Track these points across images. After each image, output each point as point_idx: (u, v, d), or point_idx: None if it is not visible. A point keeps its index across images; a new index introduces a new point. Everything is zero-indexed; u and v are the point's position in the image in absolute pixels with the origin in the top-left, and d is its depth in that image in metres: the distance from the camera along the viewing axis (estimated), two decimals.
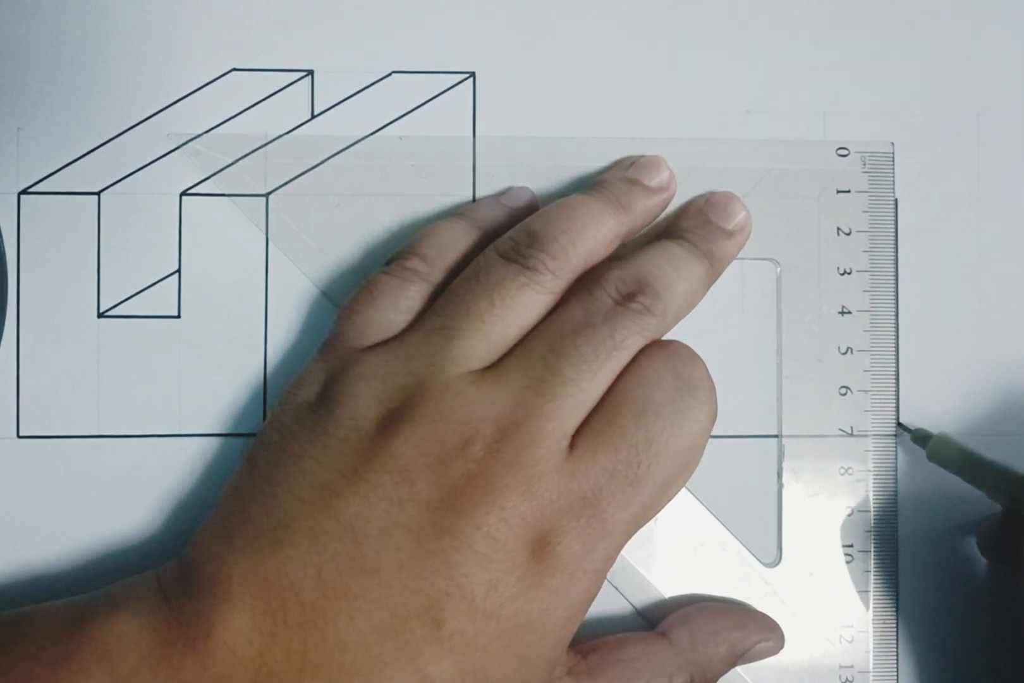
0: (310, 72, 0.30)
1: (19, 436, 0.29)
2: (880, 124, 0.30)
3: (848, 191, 0.30)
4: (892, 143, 0.30)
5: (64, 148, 0.29)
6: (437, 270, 0.28)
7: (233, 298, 0.29)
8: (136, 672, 0.24)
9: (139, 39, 0.29)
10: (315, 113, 0.30)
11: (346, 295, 0.28)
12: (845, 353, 0.30)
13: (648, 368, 0.26)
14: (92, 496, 0.29)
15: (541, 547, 0.25)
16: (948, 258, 0.30)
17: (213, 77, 0.29)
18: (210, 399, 0.29)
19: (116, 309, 0.29)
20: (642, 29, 0.30)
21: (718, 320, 0.30)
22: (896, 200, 0.30)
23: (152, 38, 0.29)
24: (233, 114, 0.29)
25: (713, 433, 0.27)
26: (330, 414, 0.25)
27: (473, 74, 0.30)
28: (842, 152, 0.30)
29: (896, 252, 0.30)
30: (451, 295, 0.27)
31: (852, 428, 0.30)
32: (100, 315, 0.29)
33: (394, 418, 0.25)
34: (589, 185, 0.29)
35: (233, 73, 0.29)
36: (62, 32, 0.29)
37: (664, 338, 0.27)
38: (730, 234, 0.29)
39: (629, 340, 0.26)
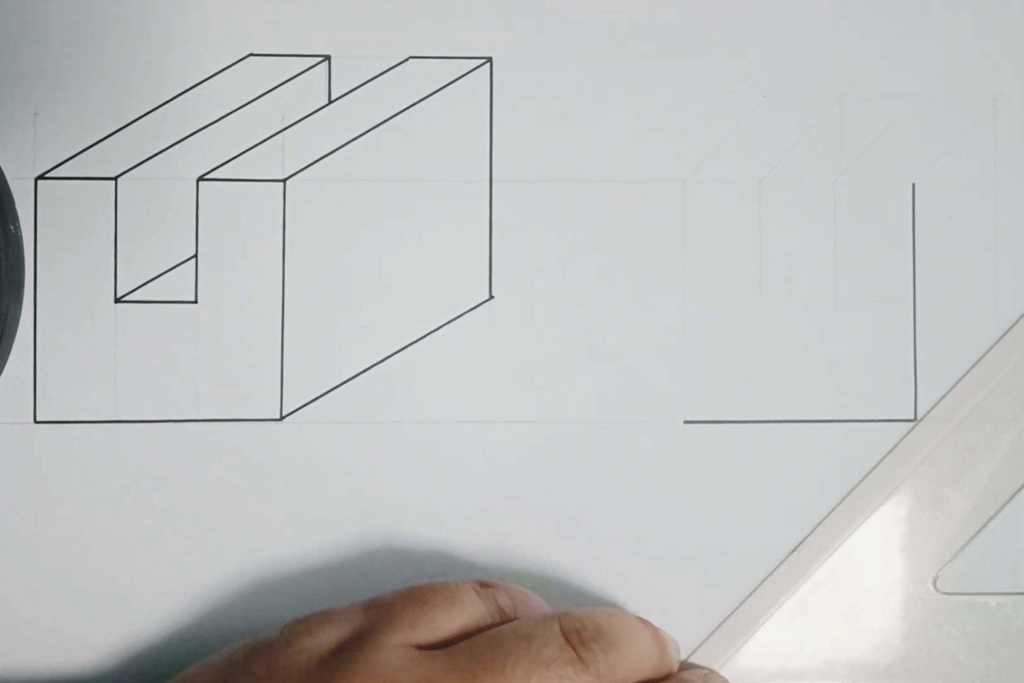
0: (327, 57, 0.30)
1: (36, 421, 0.29)
2: (898, 107, 0.30)
3: None
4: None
5: (81, 133, 0.29)
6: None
7: (250, 283, 0.29)
8: None
9: (156, 24, 0.29)
10: (332, 98, 0.30)
11: (362, 280, 0.28)
12: None
13: None
14: (109, 481, 0.29)
15: None
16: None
17: (230, 62, 0.29)
18: (227, 384, 0.29)
19: (133, 294, 0.29)
20: (659, 13, 0.30)
21: None
22: (914, 185, 0.30)
23: (169, 23, 0.29)
24: (250, 99, 0.29)
25: None
26: None
27: (490, 59, 0.30)
28: None
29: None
30: (494, 642, 0.26)
31: None
32: (117, 300, 0.29)
33: None
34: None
35: (250, 58, 0.29)
36: (79, 17, 0.29)
37: None
38: None
39: None
